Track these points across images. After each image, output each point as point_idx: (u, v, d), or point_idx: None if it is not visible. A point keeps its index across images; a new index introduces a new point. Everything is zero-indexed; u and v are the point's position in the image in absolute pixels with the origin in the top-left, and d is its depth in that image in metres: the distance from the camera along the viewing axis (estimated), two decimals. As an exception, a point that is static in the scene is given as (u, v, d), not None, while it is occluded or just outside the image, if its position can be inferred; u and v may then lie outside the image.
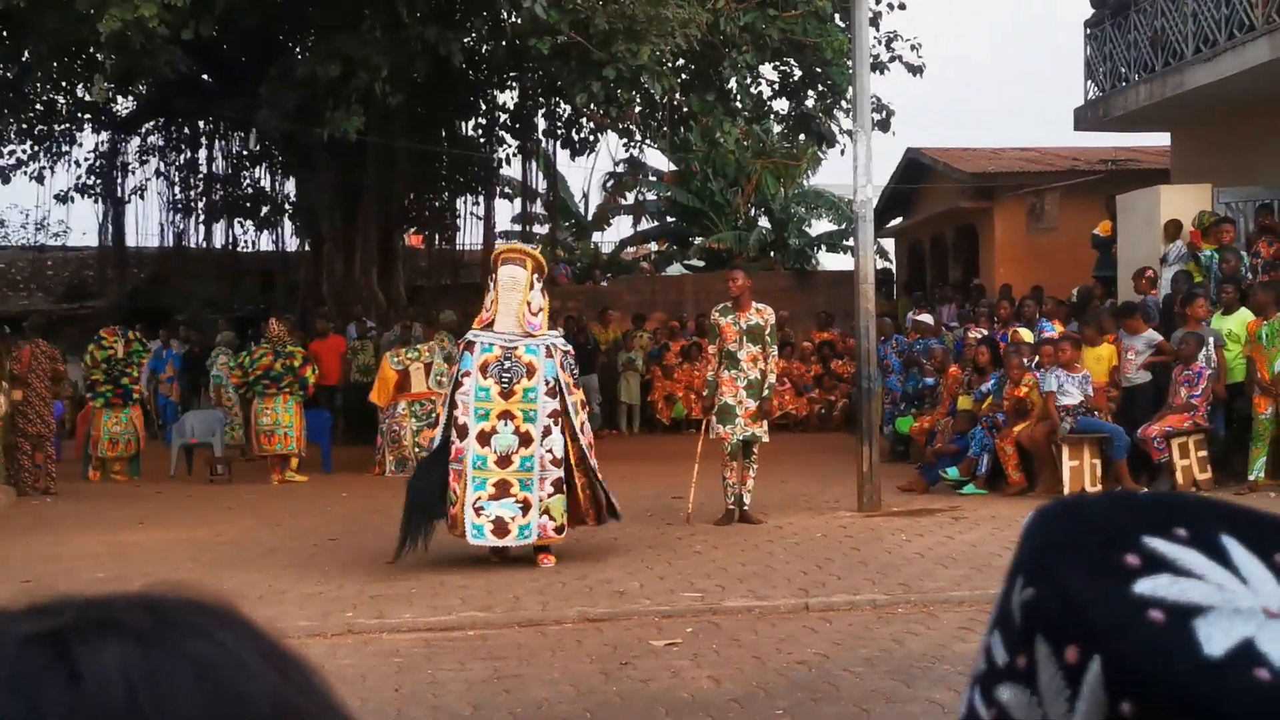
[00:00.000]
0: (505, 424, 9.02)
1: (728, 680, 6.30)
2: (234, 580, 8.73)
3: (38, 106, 24.03)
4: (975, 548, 9.64)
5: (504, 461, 9.00)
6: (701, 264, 29.24)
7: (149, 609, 0.61)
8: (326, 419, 17.40)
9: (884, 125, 20.55)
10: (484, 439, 9.10)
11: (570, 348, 9.77)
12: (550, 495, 9.07)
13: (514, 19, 17.04)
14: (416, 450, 16.44)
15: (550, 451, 9.06)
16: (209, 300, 25.78)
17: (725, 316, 11.20)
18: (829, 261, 29.24)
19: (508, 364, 9.07)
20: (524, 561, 9.28)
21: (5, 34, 17.25)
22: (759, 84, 22.18)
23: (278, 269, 27.34)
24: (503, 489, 8.98)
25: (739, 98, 21.48)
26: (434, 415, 16.42)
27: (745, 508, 11.10)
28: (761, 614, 7.73)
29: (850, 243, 22.92)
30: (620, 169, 30.52)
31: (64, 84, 23.87)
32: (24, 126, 23.96)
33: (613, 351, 22.40)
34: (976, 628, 6.83)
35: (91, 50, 18.90)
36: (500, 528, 8.97)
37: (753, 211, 29.99)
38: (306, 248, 26.10)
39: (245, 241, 28.48)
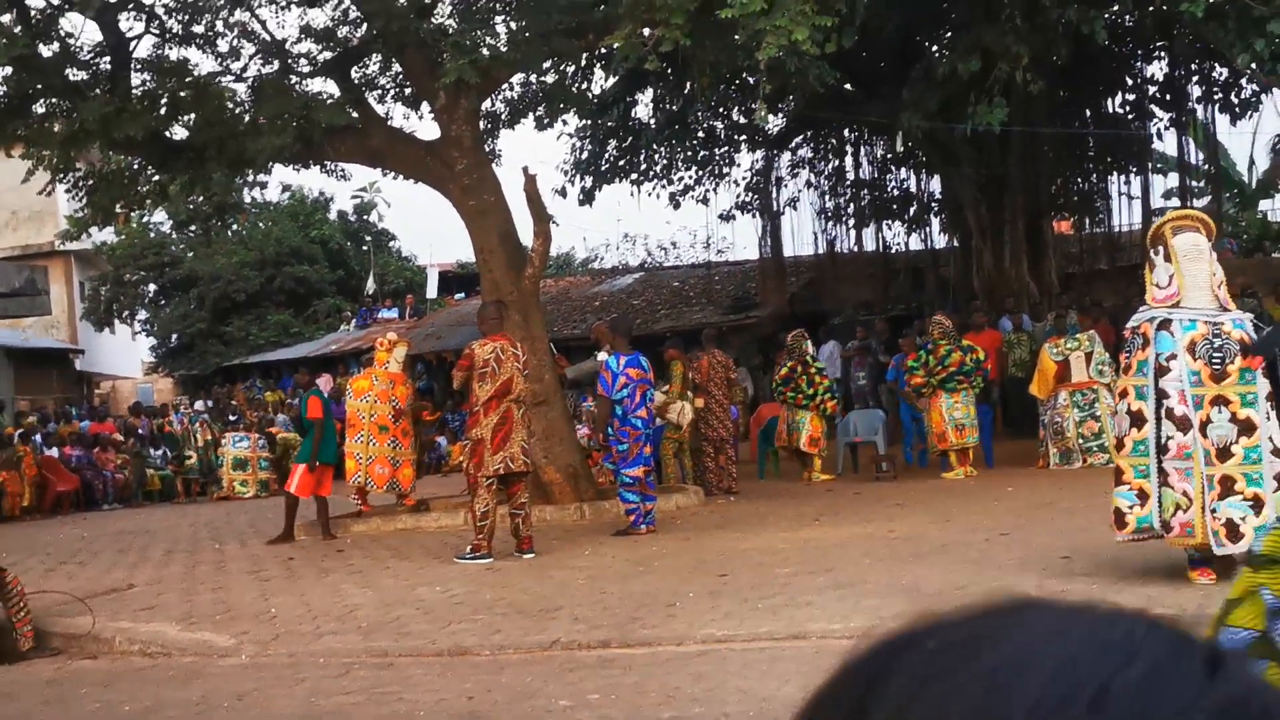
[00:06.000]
0: (1220, 411, 7.82)
1: None
2: (911, 575, 8.95)
3: (699, 134, 26.00)
4: None
5: (1223, 454, 7.77)
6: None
7: None
8: (987, 413, 17.39)
9: None
10: (1199, 429, 7.94)
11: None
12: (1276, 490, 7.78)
13: (1161, -16, 16.19)
14: (1080, 442, 16.03)
15: (1271, 440, 7.82)
16: (863, 302, 26.55)
17: None
18: None
19: (1218, 341, 7.87)
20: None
21: (670, 70, 18.86)
22: None
23: (927, 267, 27.65)
24: (1226, 486, 7.73)
25: None
26: (1096, 406, 15.95)
27: None
28: None
29: None
30: (1289, 129, 27.99)
31: (720, 110, 25.67)
32: (689, 154, 26.01)
33: (1293, 328, 20.59)
34: None
35: (744, 75, 20.23)
36: (1232, 530, 7.68)
37: None
38: (954, 243, 26.22)
39: (894, 242, 29.09)
